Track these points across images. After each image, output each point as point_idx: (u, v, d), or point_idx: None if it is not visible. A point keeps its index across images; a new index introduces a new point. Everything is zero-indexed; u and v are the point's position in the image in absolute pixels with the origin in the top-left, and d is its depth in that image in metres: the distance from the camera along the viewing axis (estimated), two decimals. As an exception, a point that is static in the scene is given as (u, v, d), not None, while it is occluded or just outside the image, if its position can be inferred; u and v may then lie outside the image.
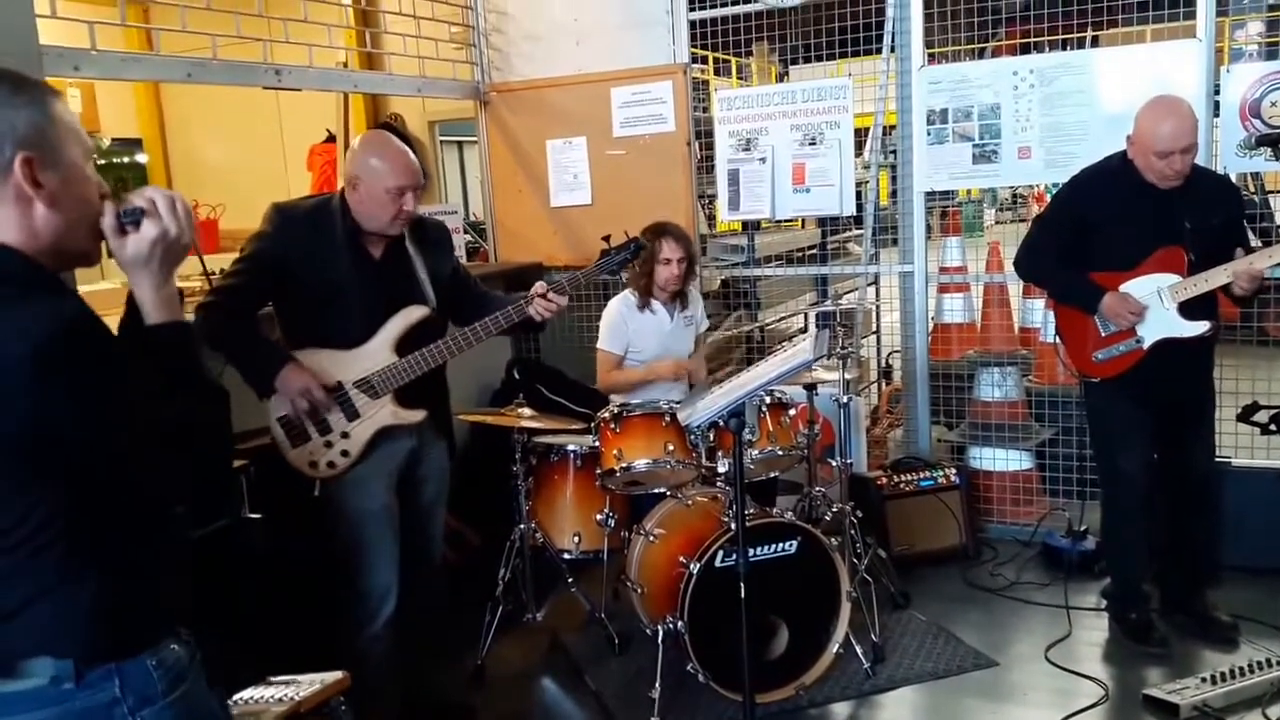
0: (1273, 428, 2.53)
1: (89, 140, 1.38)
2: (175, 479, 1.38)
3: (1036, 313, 4.74)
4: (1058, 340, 3.37)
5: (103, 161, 6.58)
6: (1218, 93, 3.78)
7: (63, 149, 1.31)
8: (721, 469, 3.25)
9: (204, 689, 1.47)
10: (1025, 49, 4.16)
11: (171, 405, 1.36)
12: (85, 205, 1.35)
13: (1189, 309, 3.11)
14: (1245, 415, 2.80)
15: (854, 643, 3.14)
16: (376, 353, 2.65)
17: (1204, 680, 2.92)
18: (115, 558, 1.35)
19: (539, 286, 2.80)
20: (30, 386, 1.19)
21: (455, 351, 2.71)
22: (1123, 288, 3.16)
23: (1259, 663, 2.97)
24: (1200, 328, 3.12)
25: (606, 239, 2.99)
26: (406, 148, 2.68)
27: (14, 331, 1.20)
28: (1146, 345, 3.17)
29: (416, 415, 2.71)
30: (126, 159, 6.79)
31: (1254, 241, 4.06)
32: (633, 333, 3.80)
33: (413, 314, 2.69)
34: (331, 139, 6.82)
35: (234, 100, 6.30)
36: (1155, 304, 3.13)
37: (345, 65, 5.47)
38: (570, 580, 3.47)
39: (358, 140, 2.76)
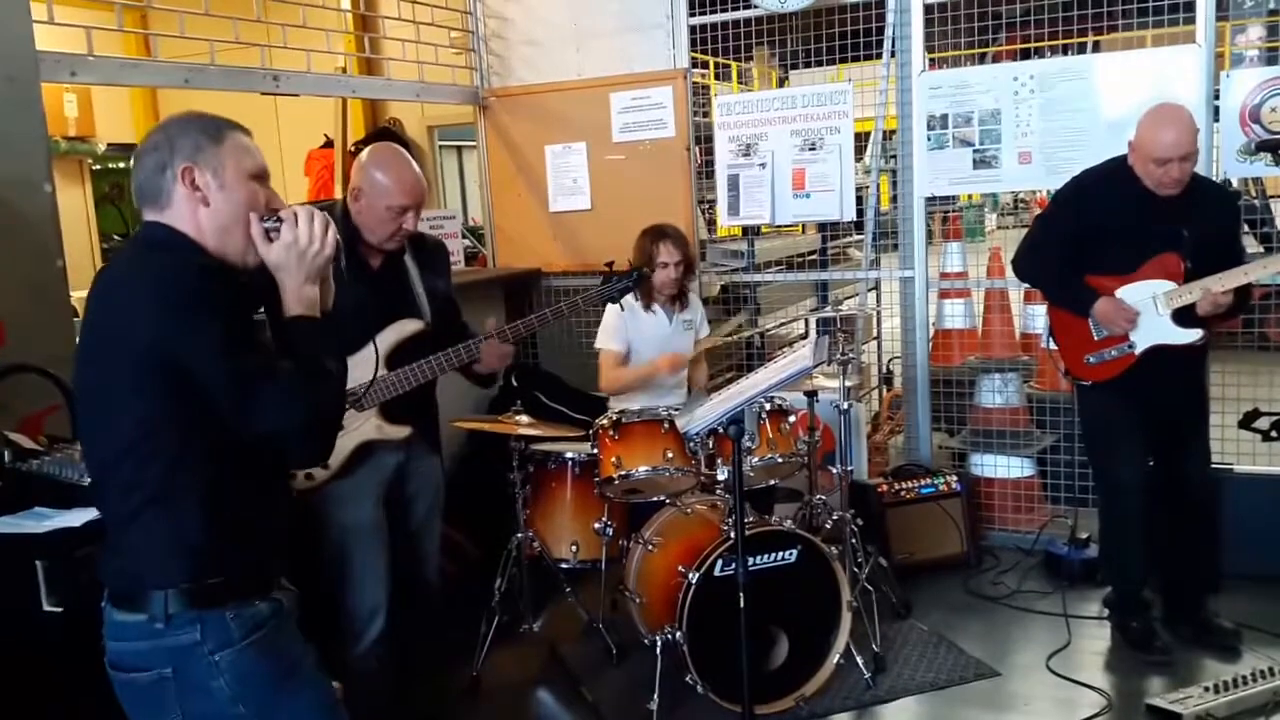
0: (1274, 434, 2.51)
1: (255, 163, 1.70)
2: (278, 421, 1.58)
3: (1038, 318, 4.72)
4: (1051, 340, 3.36)
5: (98, 167, 6.57)
6: (1218, 98, 3.76)
7: (224, 166, 1.65)
8: (721, 476, 3.24)
9: (286, 636, 1.71)
10: (1026, 54, 4.16)
11: (292, 361, 1.62)
12: (238, 210, 1.66)
13: (1182, 316, 3.10)
14: (1246, 422, 2.79)
15: (854, 653, 3.12)
16: (366, 364, 2.62)
17: (1207, 689, 2.90)
18: (215, 494, 1.60)
19: (488, 326, 2.77)
20: (153, 313, 1.52)
21: (442, 370, 2.68)
22: (1118, 292, 3.15)
23: (1262, 671, 2.94)
24: (1192, 335, 3.11)
25: (609, 265, 2.97)
26: (416, 166, 2.66)
27: (151, 276, 1.57)
28: (1138, 351, 3.16)
29: (401, 431, 2.68)
30: (123, 164, 6.77)
31: (1256, 247, 4.06)
32: (632, 333, 3.79)
33: (406, 327, 2.66)
34: (329, 144, 6.83)
35: (232, 106, 6.27)
36: (1149, 310, 3.13)
37: (344, 70, 5.47)
38: (568, 590, 3.45)
39: (367, 152, 2.74)
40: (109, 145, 6.63)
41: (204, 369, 1.53)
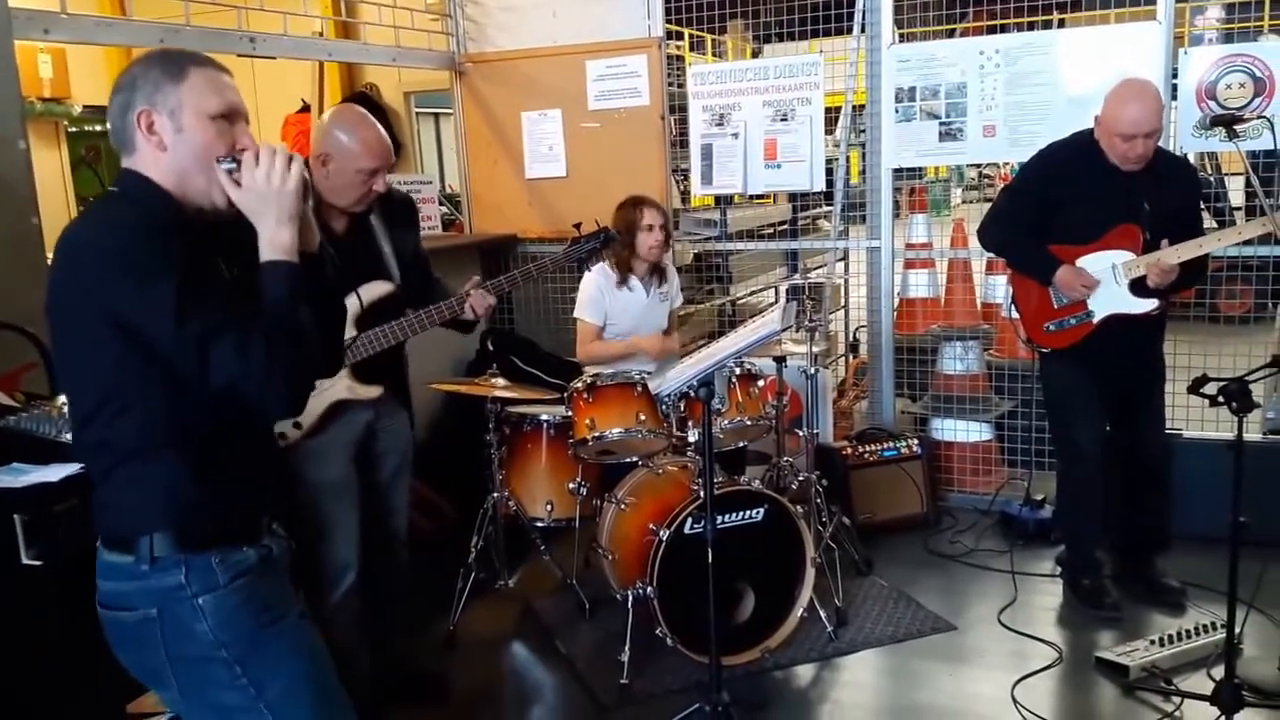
0: (1220, 399, 2.63)
1: (220, 102, 1.61)
2: (230, 376, 1.51)
3: (998, 288, 4.85)
4: (1013, 309, 3.45)
5: (74, 129, 6.49)
6: (1176, 75, 3.86)
7: (182, 107, 1.59)
8: (692, 438, 3.31)
9: (272, 583, 1.70)
10: (993, 30, 4.23)
11: (258, 312, 1.56)
12: (195, 154, 1.60)
13: (1140, 287, 3.19)
14: (1195, 387, 2.90)
15: (818, 607, 3.22)
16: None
17: (1153, 643, 3.03)
18: (193, 446, 1.59)
19: (472, 282, 2.79)
20: (105, 275, 1.49)
21: (414, 331, 2.70)
22: (1079, 262, 3.24)
23: (1204, 626, 3.08)
24: (1148, 305, 3.21)
25: (578, 226, 3.01)
26: (379, 125, 2.63)
27: (106, 235, 1.53)
28: (1096, 319, 3.26)
29: (372, 391, 2.70)
30: (99, 127, 6.69)
31: (1209, 221, 4.18)
32: (610, 306, 3.83)
33: (376, 289, 2.67)
34: (306, 108, 6.79)
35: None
36: (1108, 279, 3.22)
37: (320, 34, 5.44)
38: (542, 547, 3.53)
39: (328, 115, 2.69)
40: (85, 107, 6.54)
41: (155, 332, 1.50)
